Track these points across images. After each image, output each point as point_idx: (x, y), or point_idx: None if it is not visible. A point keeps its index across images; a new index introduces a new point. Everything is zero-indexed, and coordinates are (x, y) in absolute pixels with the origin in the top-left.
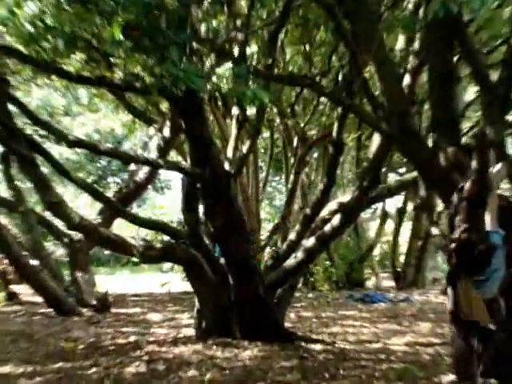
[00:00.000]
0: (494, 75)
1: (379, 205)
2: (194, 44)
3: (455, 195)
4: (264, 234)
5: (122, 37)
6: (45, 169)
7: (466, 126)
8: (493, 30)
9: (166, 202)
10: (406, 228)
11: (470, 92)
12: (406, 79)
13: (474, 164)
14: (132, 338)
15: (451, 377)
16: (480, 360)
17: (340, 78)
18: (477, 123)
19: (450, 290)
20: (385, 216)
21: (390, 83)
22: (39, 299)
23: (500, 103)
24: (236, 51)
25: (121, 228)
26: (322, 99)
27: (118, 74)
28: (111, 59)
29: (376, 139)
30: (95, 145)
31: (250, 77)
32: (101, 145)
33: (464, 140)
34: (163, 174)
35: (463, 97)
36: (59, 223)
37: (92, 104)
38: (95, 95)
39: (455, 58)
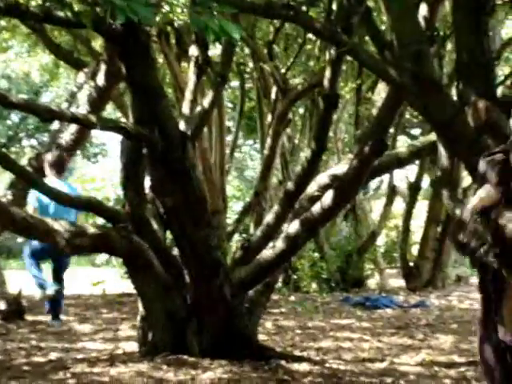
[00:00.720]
0: None
1: (385, 178)
2: None
3: (482, 163)
4: (231, 217)
5: None
6: None
7: (502, 72)
8: None
9: (99, 174)
10: (421, 209)
11: (509, 26)
12: (423, 9)
13: None
14: (53, 356)
15: None
16: None
17: (334, 8)
18: None
19: (482, 299)
20: (392, 193)
21: (401, 14)
22: None
23: None
24: None
25: None
26: (310, 36)
27: (36, 0)
28: None
29: (381, 90)
30: (4, 95)
31: (213, 5)
32: (12, 95)
33: (500, 91)
34: (96, 135)
35: (499, 33)
36: None
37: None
38: (4, 29)
39: None
